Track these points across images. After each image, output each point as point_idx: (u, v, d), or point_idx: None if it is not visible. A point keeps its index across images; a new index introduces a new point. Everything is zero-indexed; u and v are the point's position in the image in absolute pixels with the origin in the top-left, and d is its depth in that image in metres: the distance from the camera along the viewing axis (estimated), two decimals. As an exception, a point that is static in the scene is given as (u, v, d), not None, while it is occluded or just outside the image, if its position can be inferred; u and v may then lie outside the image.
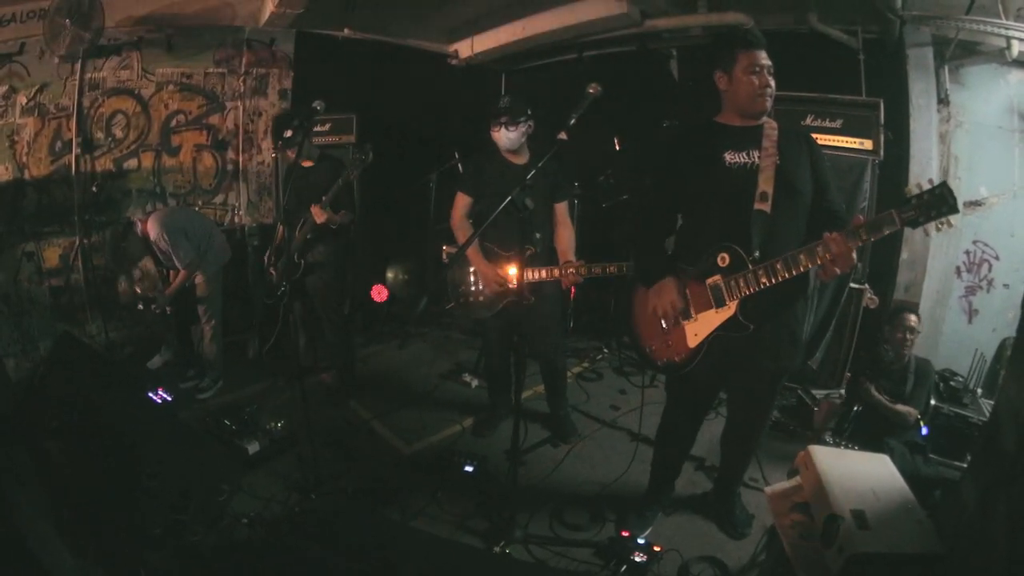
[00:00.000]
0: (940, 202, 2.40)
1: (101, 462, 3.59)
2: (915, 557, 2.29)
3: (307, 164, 4.95)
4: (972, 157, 5.23)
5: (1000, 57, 4.87)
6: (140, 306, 5.47)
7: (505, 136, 4.23)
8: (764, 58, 2.89)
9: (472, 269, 4.49)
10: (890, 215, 2.51)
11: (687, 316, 3.10)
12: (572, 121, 3.11)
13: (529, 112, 4.23)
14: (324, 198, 4.67)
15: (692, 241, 3.12)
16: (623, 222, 6.38)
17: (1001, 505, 2.07)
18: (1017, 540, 1.93)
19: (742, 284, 2.87)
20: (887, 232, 2.55)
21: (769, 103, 2.95)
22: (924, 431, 4.40)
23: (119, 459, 3.53)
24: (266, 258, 5.25)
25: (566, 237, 4.38)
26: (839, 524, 2.38)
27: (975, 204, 5.21)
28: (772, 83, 2.92)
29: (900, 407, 4.21)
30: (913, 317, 4.33)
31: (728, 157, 2.96)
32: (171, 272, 5.43)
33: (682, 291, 3.08)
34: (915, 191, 2.48)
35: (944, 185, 2.40)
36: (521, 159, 4.32)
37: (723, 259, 2.93)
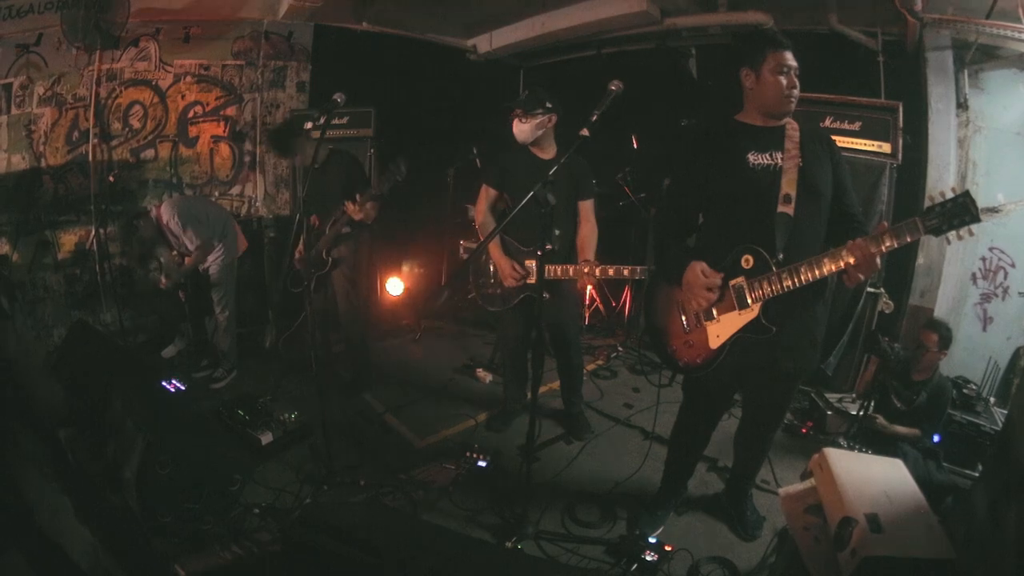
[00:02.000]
0: (963, 211, 2.40)
1: (112, 450, 3.61)
2: (927, 562, 2.29)
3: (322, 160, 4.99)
4: (990, 163, 5.20)
5: (1020, 62, 4.87)
6: (151, 273, 5.49)
7: (518, 128, 4.24)
8: (792, 59, 2.88)
9: (492, 261, 4.50)
10: (914, 222, 2.50)
11: (710, 317, 3.09)
12: (594, 118, 3.10)
13: (549, 105, 4.22)
14: (359, 197, 4.72)
15: (714, 241, 3.10)
16: (640, 220, 6.39)
17: (1012, 513, 2.07)
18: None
19: (766, 287, 2.87)
20: (911, 239, 2.54)
21: (794, 105, 2.94)
22: (936, 438, 4.38)
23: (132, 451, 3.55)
24: (298, 250, 5.27)
25: (588, 235, 4.37)
26: (853, 527, 2.37)
27: (992, 210, 5.17)
28: (798, 85, 2.91)
29: (901, 429, 4.19)
30: (934, 336, 4.27)
31: (751, 158, 2.95)
32: (184, 259, 5.46)
33: (711, 271, 3.00)
34: (938, 199, 2.47)
35: (966, 194, 2.40)
36: (547, 154, 4.32)
37: (747, 261, 2.92)
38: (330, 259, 4.98)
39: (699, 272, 3.00)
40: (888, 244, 2.56)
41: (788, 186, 2.87)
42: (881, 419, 4.24)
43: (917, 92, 5.20)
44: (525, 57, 8.15)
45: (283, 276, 5.32)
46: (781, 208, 2.86)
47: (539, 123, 4.22)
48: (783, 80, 2.88)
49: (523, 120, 4.21)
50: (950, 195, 2.45)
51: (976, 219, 2.40)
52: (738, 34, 5.84)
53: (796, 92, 2.91)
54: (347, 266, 5.10)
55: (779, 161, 2.92)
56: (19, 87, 5.86)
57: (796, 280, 2.79)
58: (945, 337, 4.25)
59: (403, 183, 4.57)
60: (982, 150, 5.21)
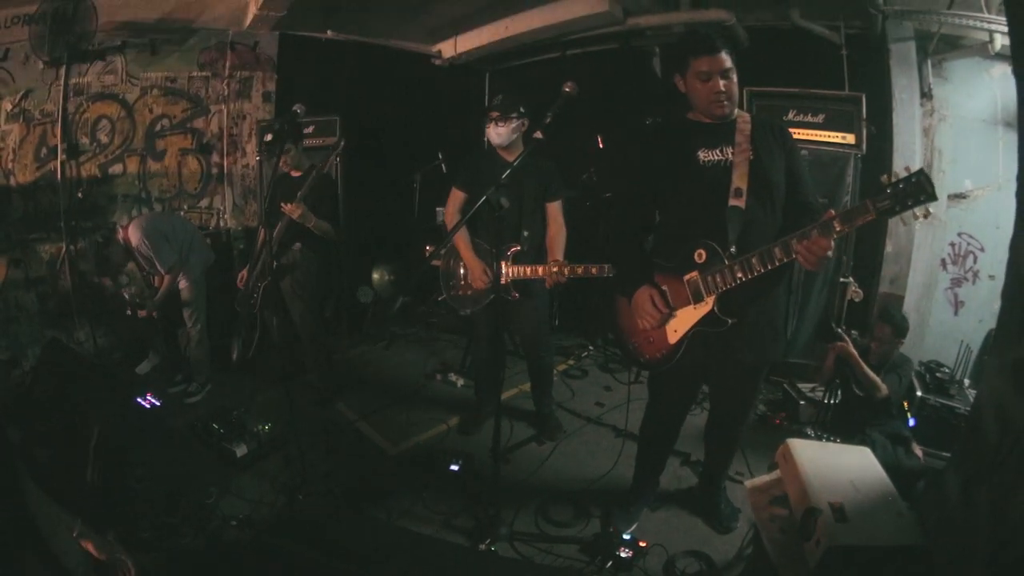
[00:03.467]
0: (918, 190, 2.32)
1: (89, 467, 3.59)
2: (895, 549, 2.30)
3: (296, 174, 4.99)
4: (956, 150, 5.25)
5: (983, 51, 4.90)
6: (129, 312, 5.45)
7: (495, 132, 4.26)
8: (718, 63, 2.86)
9: (462, 263, 4.51)
10: (864, 205, 2.47)
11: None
12: (548, 120, 3.12)
13: (522, 110, 4.26)
14: (299, 193, 4.71)
15: (669, 238, 3.13)
16: (605, 220, 6.40)
17: (983, 495, 2.07)
18: (998, 530, 1.94)
19: (719, 280, 2.88)
20: (861, 222, 2.51)
21: (726, 107, 2.94)
22: (912, 422, 4.42)
23: (107, 464, 3.54)
24: (246, 270, 5.27)
25: (556, 235, 4.39)
26: (817, 517, 2.38)
27: (960, 197, 5.23)
28: (725, 86, 2.90)
29: (872, 374, 4.15)
30: (888, 328, 4.28)
31: (702, 155, 2.97)
32: (155, 278, 5.43)
33: (660, 299, 3.06)
34: (894, 179, 2.41)
35: (921, 172, 2.33)
36: (515, 157, 4.32)
37: (700, 255, 2.94)
38: (276, 264, 4.94)
39: (648, 298, 3.07)
40: (838, 229, 2.54)
41: (739, 180, 2.89)
42: (850, 345, 4.25)
43: (881, 83, 5.25)
44: (490, 61, 8.12)
45: (238, 295, 5.29)
46: (732, 202, 2.87)
47: (515, 127, 4.26)
48: (708, 85, 2.90)
49: (500, 124, 4.23)
50: (904, 175, 2.39)
51: (932, 197, 2.32)
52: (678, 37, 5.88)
53: (724, 94, 2.91)
54: (294, 278, 5.10)
55: (729, 156, 2.94)
56: (-14, 103, 5.83)
57: (748, 272, 2.79)
58: (900, 327, 4.28)
59: (369, 188, 4.57)
60: (947, 138, 5.26)
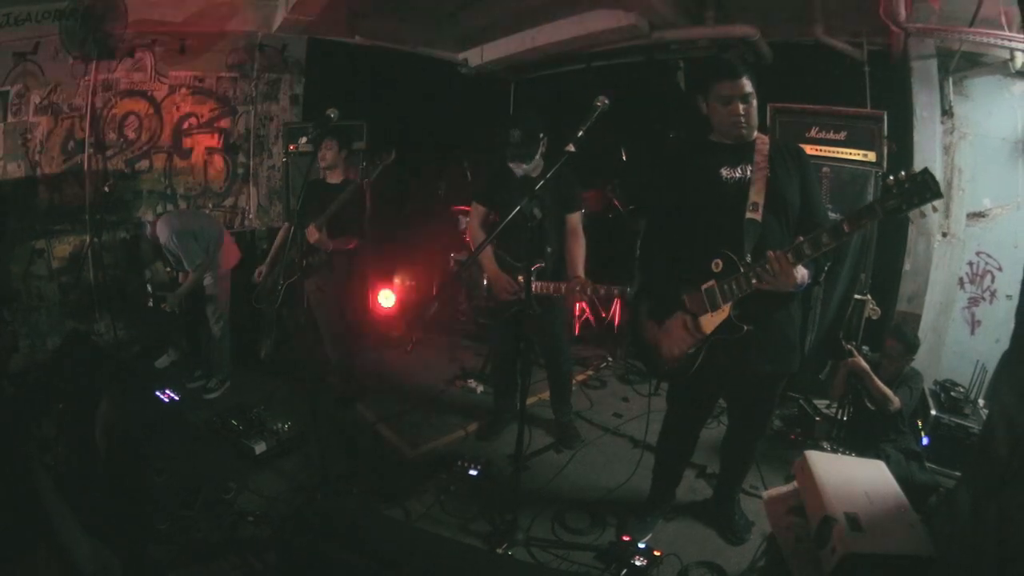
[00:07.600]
0: (923, 188, 2.41)
1: (107, 458, 3.65)
2: (907, 559, 2.35)
3: (333, 180, 5.06)
4: (976, 169, 5.23)
5: (1004, 69, 4.90)
6: (151, 303, 5.51)
7: (522, 168, 4.27)
8: (739, 87, 2.97)
9: (484, 275, 4.54)
10: (871, 206, 2.56)
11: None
12: (580, 133, 3.17)
13: (541, 135, 4.26)
14: (319, 219, 4.76)
15: (690, 250, 3.20)
16: (628, 233, 6.41)
17: (992, 510, 2.11)
18: (1006, 545, 1.97)
19: (734, 287, 2.96)
20: (869, 222, 2.61)
21: (745, 130, 3.05)
22: (925, 440, 4.43)
23: (124, 455, 3.59)
24: (264, 266, 5.34)
25: (577, 249, 4.41)
26: (832, 525, 2.43)
27: (979, 215, 5.21)
28: (745, 110, 3.01)
29: (884, 387, 4.17)
30: (899, 345, 4.32)
31: (724, 173, 3.09)
32: (180, 273, 5.48)
33: (693, 325, 3.13)
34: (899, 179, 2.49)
35: (926, 171, 2.42)
36: (535, 170, 4.33)
37: (717, 265, 3.03)
38: (305, 263, 5.00)
39: (682, 323, 3.16)
40: (846, 230, 2.64)
41: (756, 195, 3.00)
42: (861, 360, 4.28)
43: (903, 101, 5.23)
44: (516, 70, 8.20)
45: (256, 290, 5.35)
46: (749, 215, 2.98)
47: (539, 155, 4.28)
48: (729, 108, 3.01)
49: (527, 162, 4.25)
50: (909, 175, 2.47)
51: (937, 195, 2.41)
52: (724, 47, 5.89)
53: (744, 118, 3.02)
54: (321, 279, 5.15)
55: (748, 173, 3.05)
56: (16, 95, 5.86)
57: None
58: (911, 343, 4.31)
59: (394, 194, 4.58)
60: (967, 156, 5.24)
